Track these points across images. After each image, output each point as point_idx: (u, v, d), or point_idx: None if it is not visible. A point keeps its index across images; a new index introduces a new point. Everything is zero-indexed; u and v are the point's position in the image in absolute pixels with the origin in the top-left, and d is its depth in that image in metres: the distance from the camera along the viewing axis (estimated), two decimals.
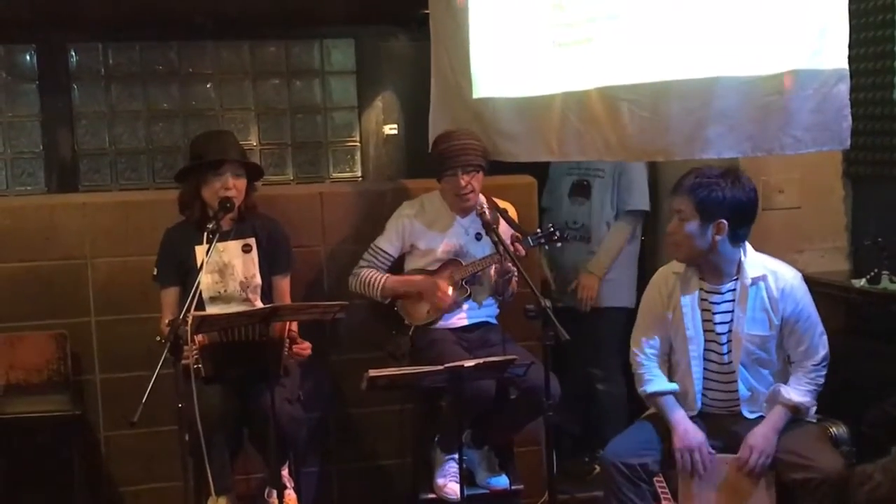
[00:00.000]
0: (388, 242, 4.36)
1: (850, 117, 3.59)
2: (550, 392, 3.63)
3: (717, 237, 3.60)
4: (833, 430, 3.93)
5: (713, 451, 3.67)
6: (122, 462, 4.61)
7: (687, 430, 3.66)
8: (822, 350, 3.68)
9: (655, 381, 3.79)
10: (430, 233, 4.34)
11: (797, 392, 3.63)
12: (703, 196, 3.57)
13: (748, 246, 3.70)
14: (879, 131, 4.59)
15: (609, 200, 5.10)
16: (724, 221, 3.58)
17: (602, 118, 3.97)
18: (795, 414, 3.64)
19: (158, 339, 3.63)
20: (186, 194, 4.11)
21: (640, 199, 5.09)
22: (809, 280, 3.78)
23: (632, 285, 5.13)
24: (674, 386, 3.78)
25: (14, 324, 4.45)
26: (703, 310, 3.72)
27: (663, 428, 3.73)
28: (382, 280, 4.30)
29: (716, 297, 3.71)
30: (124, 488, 4.63)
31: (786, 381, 3.70)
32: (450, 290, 4.25)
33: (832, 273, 4.77)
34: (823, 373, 3.68)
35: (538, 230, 4.31)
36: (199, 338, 3.54)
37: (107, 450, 4.60)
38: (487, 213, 4.13)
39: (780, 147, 3.69)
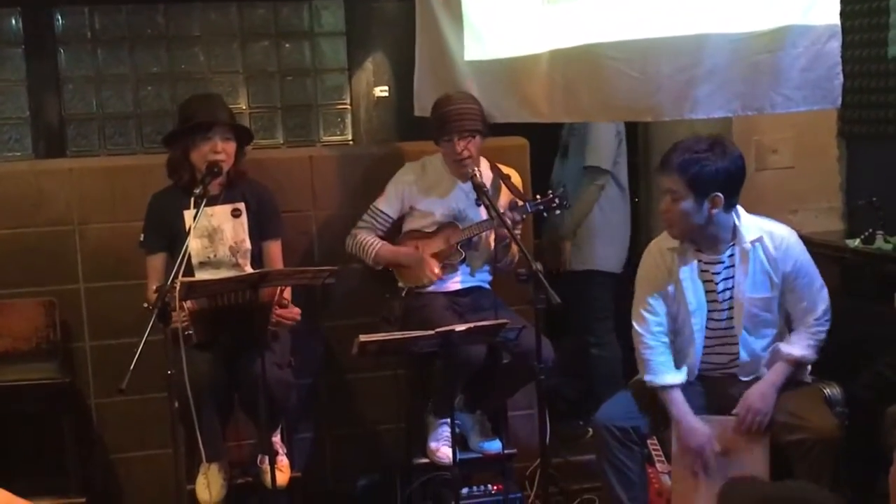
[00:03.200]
0: (388, 205, 4.33)
1: (841, 75, 3.55)
2: (543, 356, 3.62)
3: (714, 210, 3.55)
4: (827, 390, 3.91)
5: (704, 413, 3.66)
6: (113, 429, 4.60)
7: (695, 430, 3.59)
8: (822, 304, 3.66)
9: (663, 373, 3.68)
10: (431, 195, 4.31)
11: (798, 346, 3.61)
12: (694, 172, 3.50)
13: (740, 209, 3.66)
14: (874, 89, 4.56)
15: (579, 160, 5.05)
16: (720, 194, 3.52)
17: (590, 77, 3.92)
18: (797, 369, 3.61)
19: (146, 305, 3.61)
20: (175, 158, 4.08)
21: (594, 156, 4.98)
22: (803, 240, 3.75)
23: (618, 250, 5.09)
24: (680, 378, 3.68)
25: (1, 291, 4.43)
26: (704, 280, 3.67)
27: (646, 400, 3.71)
28: (377, 247, 4.27)
29: (717, 267, 3.67)
30: (115, 455, 4.63)
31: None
32: (437, 269, 4.23)
33: (826, 233, 4.76)
34: (825, 328, 3.65)
35: (538, 196, 4.25)
36: (188, 303, 3.50)
37: (98, 417, 4.59)
38: (479, 176, 4.09)
39: (771, 106, 3.65)
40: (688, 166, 3.51)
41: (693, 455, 3.58)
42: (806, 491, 2.73)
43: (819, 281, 3.68)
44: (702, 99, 3.69)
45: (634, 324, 3.79)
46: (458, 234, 4.24)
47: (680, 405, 3.63)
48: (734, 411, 3.59)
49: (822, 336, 3.65)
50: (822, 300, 3.66)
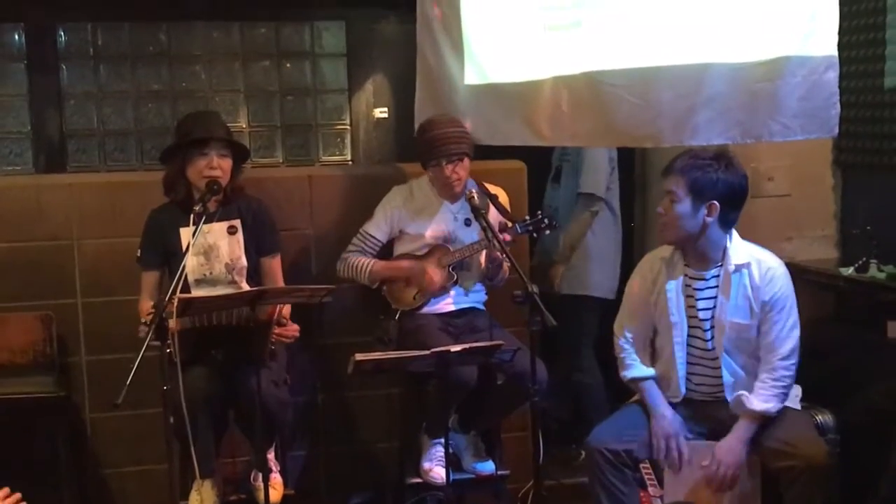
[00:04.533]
0: (377, 228, 4.34)
1: (838, 105, 3.59)
2: (537, 378, 3.64)
3: (709, 219, 3.57)
4: (819, 417, 3.94)
5: (692, 437, 3.66)
6: (108, 444, 4.60)
7: (665, 416, 3.66)
8: (789, 344, 3.58)
9: (636, 366, 3.80)
10: (419, 218, 4.31)
11: (760, 398, 3.55)
12: (696, 176, 3.55)
13: (734, 233, 3.68)
14: (870, 119, 4.59)
15: (572, 185, 5.08)
16: (717, 203, 3.55)
17: (591, 103, 3.95)
18: (763, 421, 3.56)
19: (143, 322, 3.61)
20: (171, 175, 4.08)
21: (589, 182, 5.01)
22: (797, 268, 3.78)
23: (610, 276, 5.10)
24: (652, 371, 3.78)
25: None
26: (686, 296, 3.70)
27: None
28: (370, 265, 4.28)
29: (699, 284, 3.69)
30: (110, 470, 4.62)
31: None
32: (437, 274, 4.24)
33: (821, 261, 4.78)
34: (790, 372, 3.57)
35: (527, 217, 4.28)
36: (171, 323, 3.47)
37: (92, 432, 4.58)
38: (477, 198, 4.11)
39: (769, 134, 3.69)
40: (690, 169, 3.56)
41: (664, 443, 3.63)
42: None
43: (793, 321, 3.60)
44: (701, 126, 3.73)
45: (615, 329, 3.89)
46: (449, 256, 4.25)
47: (654, 395, 3.73)
48: (704, 463, 3.58)
49: (786, 381, 3.57)
50: (791, 340, 3.58)
